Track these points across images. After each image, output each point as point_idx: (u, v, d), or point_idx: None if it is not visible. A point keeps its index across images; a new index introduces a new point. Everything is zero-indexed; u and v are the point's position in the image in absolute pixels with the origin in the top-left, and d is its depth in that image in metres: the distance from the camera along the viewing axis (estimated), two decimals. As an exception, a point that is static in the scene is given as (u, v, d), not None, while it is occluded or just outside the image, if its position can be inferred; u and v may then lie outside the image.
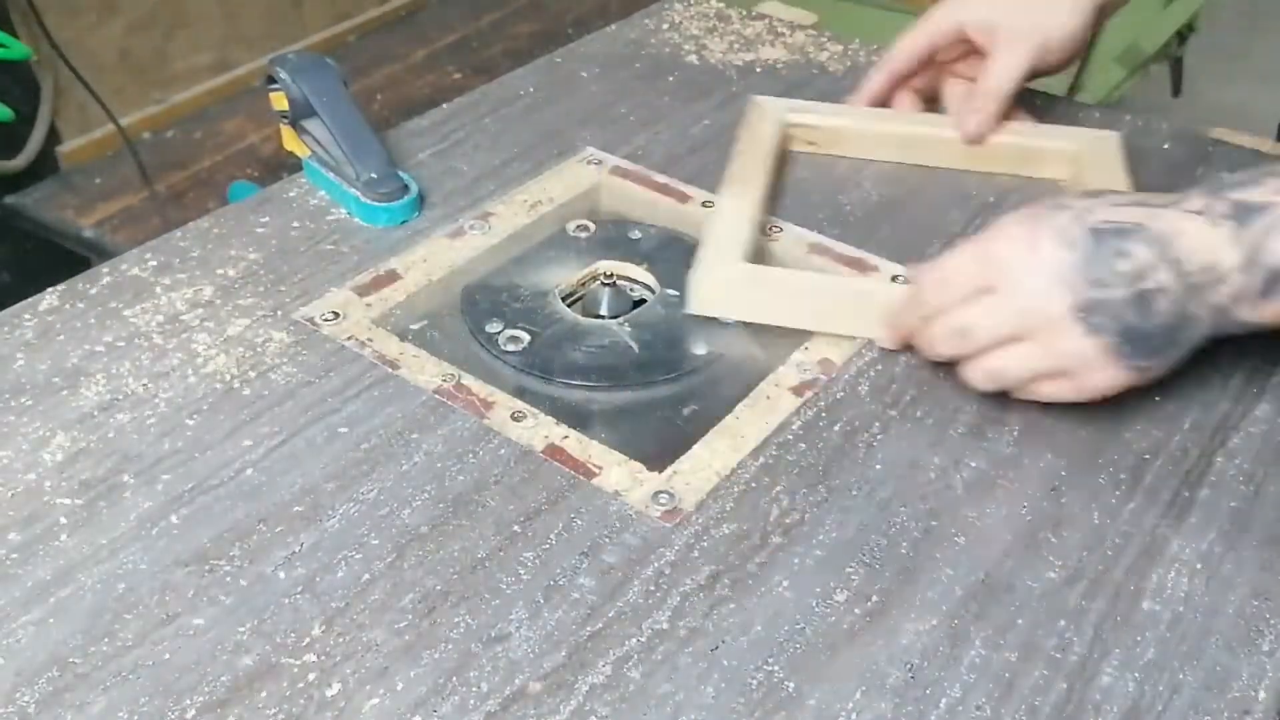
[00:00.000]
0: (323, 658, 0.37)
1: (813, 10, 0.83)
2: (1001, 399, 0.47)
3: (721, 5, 0.80)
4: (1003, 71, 0.59)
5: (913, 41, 0.61)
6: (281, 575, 0.39)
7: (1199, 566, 0.40)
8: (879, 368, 0.49)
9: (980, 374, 0.45)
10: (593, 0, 1.60)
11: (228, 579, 0.39)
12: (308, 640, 0.37)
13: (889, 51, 0.62)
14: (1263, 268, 0.41)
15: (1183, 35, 1.96)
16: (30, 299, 0.52)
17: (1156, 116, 0.68)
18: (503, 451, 0.44)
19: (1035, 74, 0.60)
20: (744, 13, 0.79)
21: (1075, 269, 0.42)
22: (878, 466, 0.44)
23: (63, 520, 0.41)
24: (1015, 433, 0.46)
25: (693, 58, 0.73)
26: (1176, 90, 2.01)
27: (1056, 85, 1.74)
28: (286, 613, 0.38)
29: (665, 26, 0.77)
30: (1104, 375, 0.43)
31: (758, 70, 0.72)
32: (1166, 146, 0.64)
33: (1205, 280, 0.41)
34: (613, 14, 0.94)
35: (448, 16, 1.57)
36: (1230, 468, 0.44)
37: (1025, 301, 0.43)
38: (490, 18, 1.56)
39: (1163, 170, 0.62)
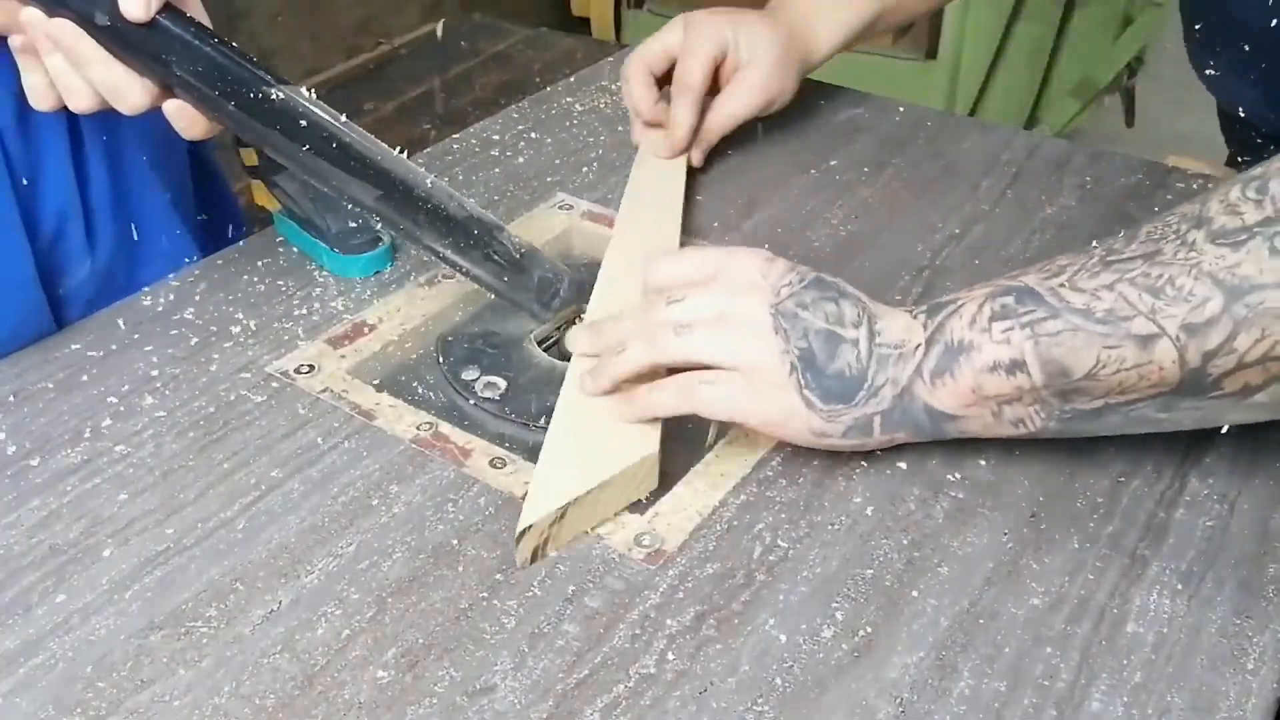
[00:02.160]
0: (304, 717, 0.36)
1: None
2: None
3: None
4: (733, 113, 0.65)
5: (701, 69, 0.63)
6: (260, 635, 0.39)
7: (1179, 587, 0.41)
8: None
9: (644, 345, 0.44)
10: (559, 50, 1.62)
11: (204, 641, 0.38)
12: (289, 701, 0.36)
13: (682, 79, 0.64)
14: (940, 344, 0.42)
15: (1133, 68, 2.02)
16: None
17: (1112, 146, 0.69)
18: (482, 499, 0.44)
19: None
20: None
21: (789, 288, 0.44)
22: (858, 500, 0.44)
23: (32, 587, 0.40)
24: (992, 461, 0.46)
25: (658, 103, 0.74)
26: (1130, 120, 2.06)
27: (1013, 118, 1.79)
28: (266, 673, 0.37)
29: (631, 73, 0.78)
30: (777, 392, 0.42)
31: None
32: (1124, 175, 0.66)
33: (892, 354, 0.42)
34: (578, 62, 0.96)
35: (416, 69, 1.59)
36: (1204, 487, 0.45)
37: (735, 292, 0.44)
38: (458, 69, 1.58)
39: (1121, 197, 0.64)
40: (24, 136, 0.52)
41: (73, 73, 0.44)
